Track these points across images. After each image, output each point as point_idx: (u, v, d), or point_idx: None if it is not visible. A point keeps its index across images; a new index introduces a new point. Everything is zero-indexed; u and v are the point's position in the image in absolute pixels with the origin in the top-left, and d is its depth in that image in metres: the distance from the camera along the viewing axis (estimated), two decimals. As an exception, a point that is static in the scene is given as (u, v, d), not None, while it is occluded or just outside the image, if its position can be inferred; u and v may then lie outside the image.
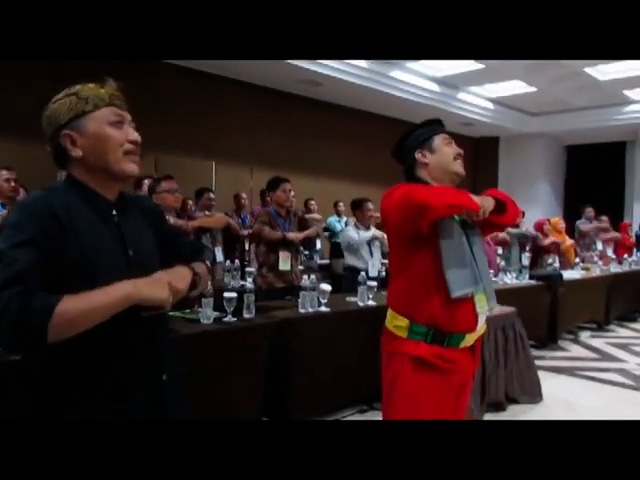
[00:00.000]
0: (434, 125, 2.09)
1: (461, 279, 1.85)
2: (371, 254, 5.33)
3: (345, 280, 5.41)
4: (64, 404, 1.24)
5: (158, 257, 1.44)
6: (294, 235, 4.61)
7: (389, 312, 2.01)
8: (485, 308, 1.94)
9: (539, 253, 6.75)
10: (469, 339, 1.93)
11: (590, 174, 12.39)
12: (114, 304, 1.19)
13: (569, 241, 7.51)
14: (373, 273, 5.03)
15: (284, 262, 4.51)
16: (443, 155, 2.01)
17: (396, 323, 1.95)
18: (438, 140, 2.03)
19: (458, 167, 2.02)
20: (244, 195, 7.20)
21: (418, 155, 2.02)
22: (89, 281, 1.21)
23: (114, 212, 1.36)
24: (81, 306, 1.16)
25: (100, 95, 1.33)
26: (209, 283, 3.17)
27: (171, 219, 3.80)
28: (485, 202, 1.87)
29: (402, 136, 2.11)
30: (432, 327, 1.87)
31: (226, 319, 3.13)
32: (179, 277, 1.36)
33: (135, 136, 1.36)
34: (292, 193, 4.73)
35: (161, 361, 1.38)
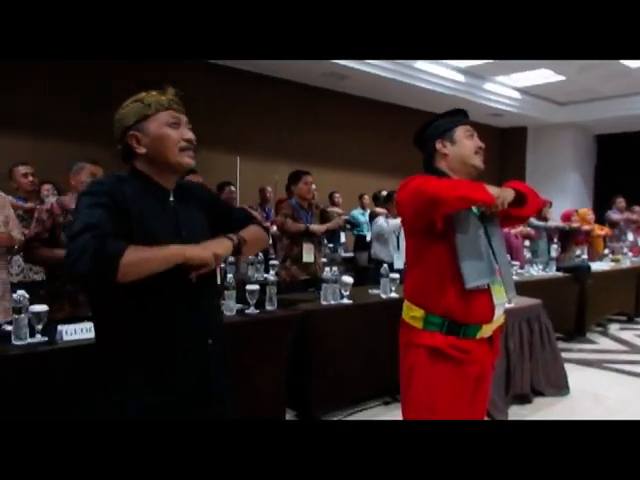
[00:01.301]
0: (458, 115, 2.06)
1: (476, 270, 1.83)
2: (398, 246, 5.34)
3: (372, 272, 5.44)
4: (128, 359, 1.47)
5: (208, 237, 1.62)
6: (317, 227, 4.63)
7: (405, 303, 2.02)
8: (503, 299, 1.92)
9: (567, 244, 6.64)
10: (486, 330, 1.92)
11: (621, 164, 12.11)
12: (166, 258, 1.40)
13: (599, 231, 7.35)
14: (399, 265, 5.02)
15: (307, 254, 4.53)
16: (463, 147, 1.98)
17: (412, 314, 1.95)
18: (460, 131, 2.00)
19: (477, 161, 1.99)
20: (269, 189, 7.24)
21: (438, 145, 2.00)
22: None
23: (171, 199, 1.59)
24: (143, 254, 1.38)
25: (161, 101, 1.55)
26: (232, 277, 3.22)
27: None
28: (504, 193, 1.84)
29: (424, 124, 2.09)
30: (447, 318, 1.87)
31: (248, 311, 3.17)
32: (217, 243, 1.55)
33: (190, 135, 1.59)
34: (314, 186, 4.75)
35: (207, 327, 1.58)
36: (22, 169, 4.65)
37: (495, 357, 2.03)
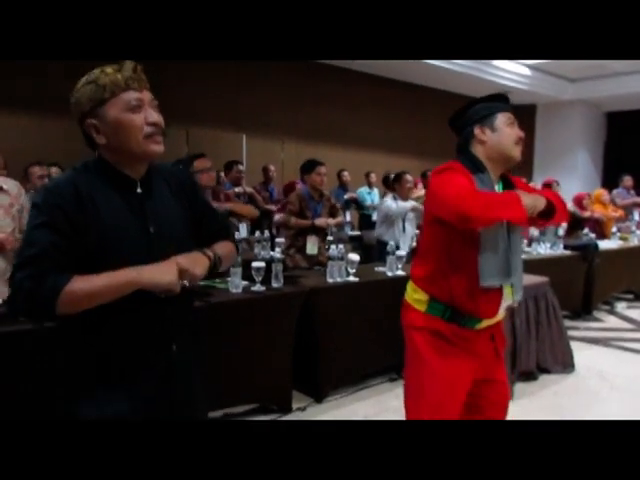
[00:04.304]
0: (499, 101, 1.96)
1: (494, 269, 1.80)
2: (404, 230, 5.30)
3: (375, 252, 5.42)
4: (84, 363, 1.38)
5: (187, 229, 1.50)
6: (324, 221, 4.63)
7: (410, 285, 2.01)
8: (509, 301, 1.92)
9: (574, 229, 6.58)
10: (485, 324, 1.91)
11: (631, 141, 11.98)
12: (117, 289, 1.28)
13: (614, 213, 7.27)
14: (403, 249, 5.01)
15: (312, 247, 4.56)
16: (504, 136, 1.89)
17: (416, 297, 1.95)
18: (501, 118, 1.90)
19: (517, 152, 1.91)
20: (272, 167, 7.17)
21: (477, 131, 1.91)
22: (108, 258, 1.31)
23: (139, 190, 1.41)
24: (86, 289, 1.26)
25: (117, 81, 1.34)
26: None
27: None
28: (536, 202, 1.79)
29: (463, 106, 1.98)
30: (451, 306, 1.87)
31: (255, 288, 3.18)
32: (195, 263, 1.40)
33: (155, 117, 1.37)
34: (325, 177, 4.74)
35: (171, 332, 1.45)
36: (37, 170, 4.67)
37: (499, 345, 2.01)
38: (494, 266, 1.81)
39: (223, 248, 1.55)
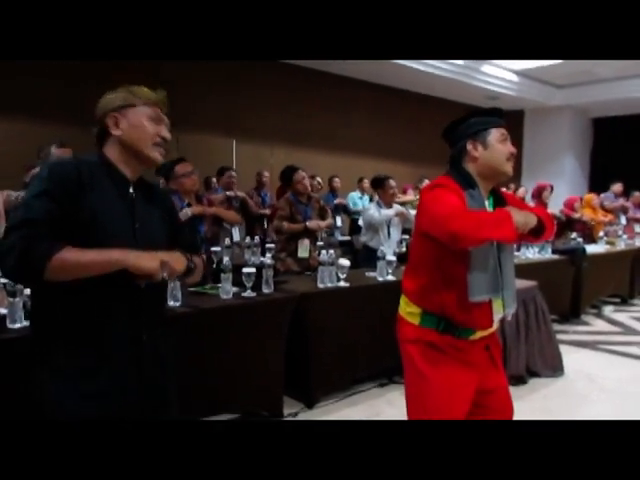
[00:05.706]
0: (493, 116, 1.96)
1: (483, 285, 1.82)
2: (389, 235, 5.27)
3: (360, 256, 5.40)
4: (56, 348, 1.45)
5: (165, 238, 1.64)
6: (315, 224, 4.64)
7: (403, 299, 2.02)
8: (500, 314, 1.94)
9: (563, 232, 6.63)
10: (479, 335, 1.93)
11: (617, 147, 12.09)
12: (103, 265, 1.39)
13: (603, 218, 7.33)
14: (389, 255, 4.99)
15: (303, 250, 4.58)
16: (496, 152, 1.89)
17: (409, 310, 1.97)
18: (494, 134, 1.90)
19: (508, 168, 1.90)
20: (266, 173, 7.17)
21: (469, 146, 1.91)
22: (96, 240, 1.42)
23: (131, 190, 1.57)
24: (75, 258, 1.36)
25: (149, 96, 1.58)
26: (228, 260, 3.22)
27: (188, 208, 3.75)
28: (527, 219, 1.79)
29: (457, 119, 1.98)
30: (444, 319, 1.88)
31: (245, 294, 3.17)
32: (176, 259, 1.54)
33: (166, 134, 1.59)
34: (307, 180, 4.74)
35: (142, 322, 1.54)
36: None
37: (496, 353, 2.03)
38: (483, 282, 1.82)
39: (196, 259, 1.70)
